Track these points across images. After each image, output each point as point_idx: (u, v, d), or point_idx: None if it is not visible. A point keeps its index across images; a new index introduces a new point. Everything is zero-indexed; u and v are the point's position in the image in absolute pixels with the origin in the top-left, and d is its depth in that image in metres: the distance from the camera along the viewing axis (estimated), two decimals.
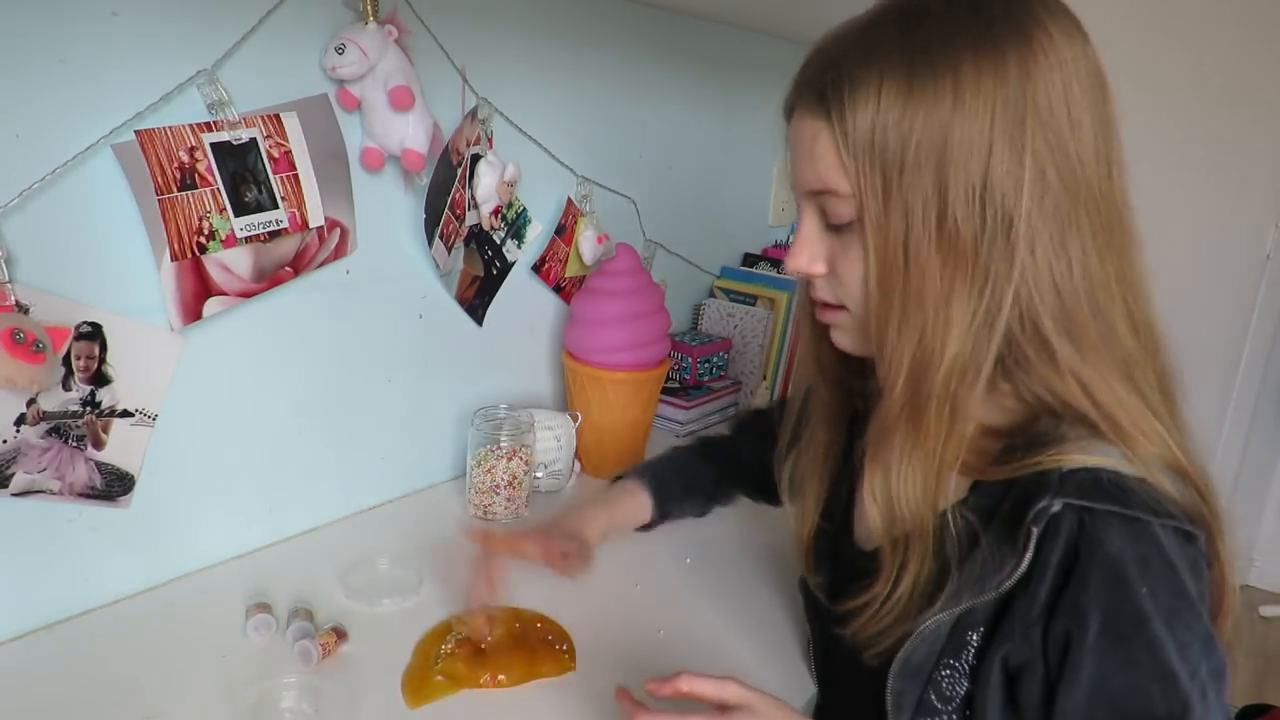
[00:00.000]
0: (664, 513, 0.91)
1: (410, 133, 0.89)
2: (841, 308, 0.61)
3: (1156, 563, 0.50)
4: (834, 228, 0.58)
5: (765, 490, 0.92)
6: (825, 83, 0.55)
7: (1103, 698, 0.51)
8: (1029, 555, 0.52)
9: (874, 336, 0.57)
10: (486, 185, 1.02)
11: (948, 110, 0.51)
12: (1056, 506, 0.52)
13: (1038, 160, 0.52)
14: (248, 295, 0.84)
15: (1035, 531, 0.52)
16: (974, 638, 0.56)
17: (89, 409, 0.76)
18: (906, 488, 0.58)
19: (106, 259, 0.75)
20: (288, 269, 0.87)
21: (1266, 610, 2.35)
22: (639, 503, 0.90)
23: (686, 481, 0.94)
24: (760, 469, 0.87)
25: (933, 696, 0.58)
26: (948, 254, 0.53)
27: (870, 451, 0.63)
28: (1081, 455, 0.52)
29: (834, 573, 0.73)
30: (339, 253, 0.92)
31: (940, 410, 0.55)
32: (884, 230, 0.54)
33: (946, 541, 0.58)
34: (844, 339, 0.64)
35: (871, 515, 0.61)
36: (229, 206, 0.80)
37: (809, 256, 0.61)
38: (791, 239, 1.71)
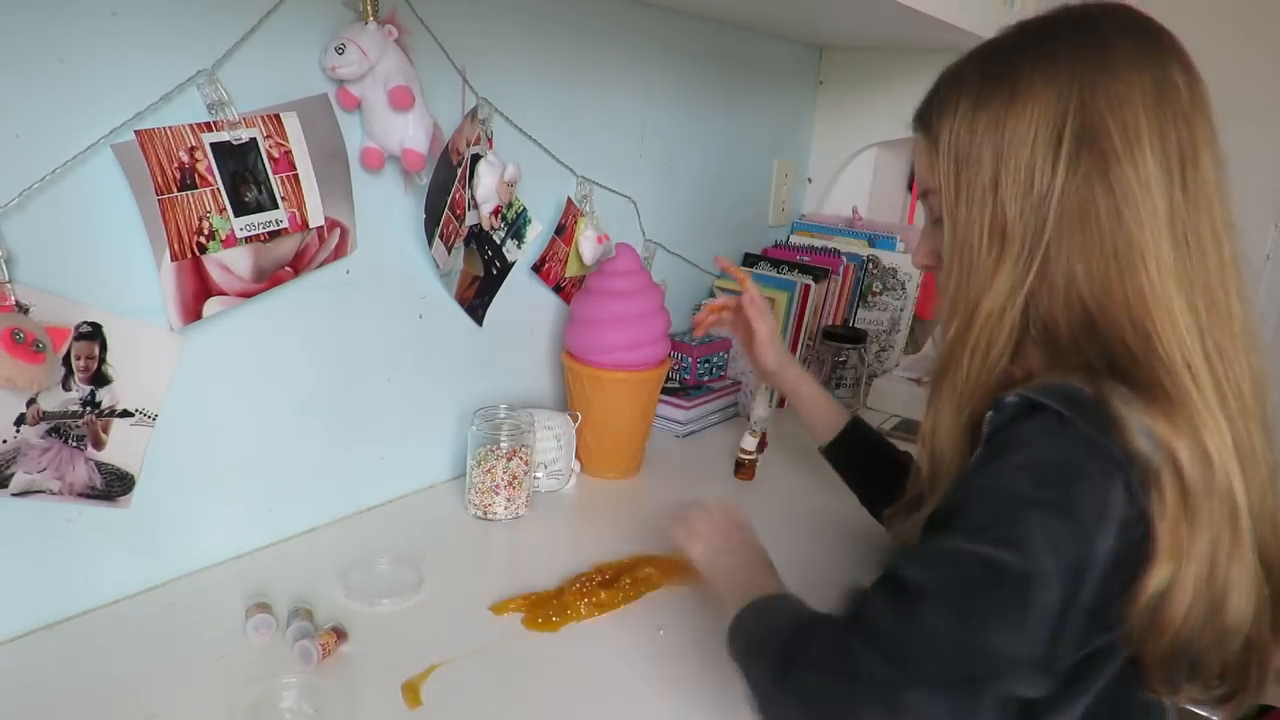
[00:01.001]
0: (841, 442, 1.02)
1: (410, 133, 0.89)
2: None
3: (1048, 453, 0.56)
4: (936, 223, 0.69)
5: None
6: (926, 107, 0.69)
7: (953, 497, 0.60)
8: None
9: (941, 301, 0.69)
10: (486, 185, 1.02)
11: (1004, 110, 0.62)
12: (1011, 398, 0.59)
13: (1076, 151, 0.60)
14: (248, 295, 0.84)
15: (989, 414, 0.61)
16: None
17: (89, 409, 0.76)
18: (942, 423, 0.68)
19: (106, 259, 0.75)
20: (288, 269, 0.87)
21: None
22: (834, 416, 1.03)
23: (880, 447, 1.02)
24: None
25: None
26: (994, 235, 0.63)
27: (927, 404, 0.71)
28: (1059, 376, 0.60)
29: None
30: (339, 253, 0.92)
31: (973, 353, 0.65)
32: (954, 217, 0.66)
33: None
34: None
35: (919, 456, 0.72)
36: (229, 206, 0.80)
37: (924, 252, 0.73)
38: (792, 236, 1.71)
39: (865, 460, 1.02)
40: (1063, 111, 0.60)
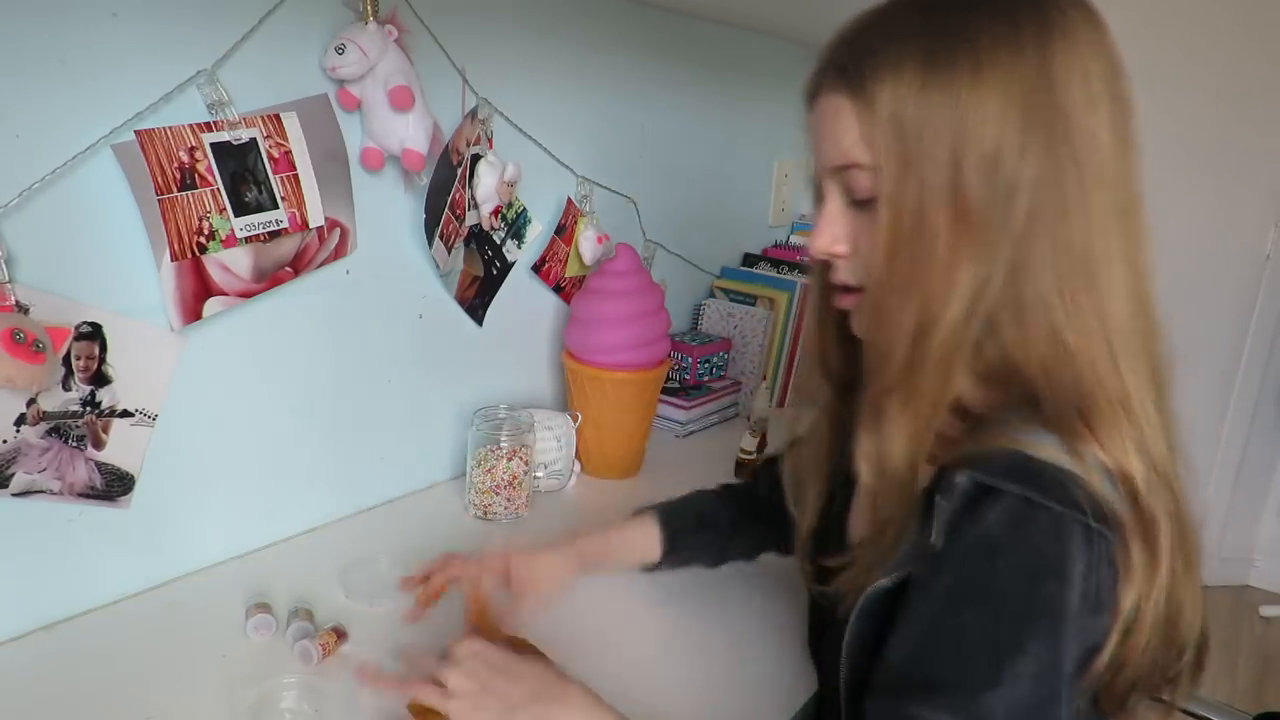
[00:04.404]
0: (674, 547, 0.87)
1: (410, 133, 0.89)
2: (860, 290, 0.61)
3: (1032, 548, 0.51)
4: (857, 204, 0.59)
5: (782, 534, 0.87)
6: (846, 62, 0.56)
7: (927, 646, 0.54)
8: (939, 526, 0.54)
9: (876, 306, 0.58)
10: (486, 185, 1.03)
11: (966, 85, 0.53)
12: (963, 479, 0.53)
13: (1049, 133, 0.53)
14: (248, 295, 0.84)
15: (940, 501, 0.54)
16: None
17: (89, 409, 0.76)
18: (896, 446, 0.58)
19: (106, 259, 0.75)
20: (288, 269, 0.87)
21: (1266, 610, 2.35)
22: (646, 534, 0.87)
23: (701, 518, 0.90)
24: (778, 511, 0.83)
25: None
26: (956, 221, 0.54)
27: (865, 418, 0.62)
28: (1013, 440, 0.54)
29: (822, 564, 0.72)
30: (339, 253, 0.92)
31: (935, 370, 0.56)
32: (899, 199, 0.55)
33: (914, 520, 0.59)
34: (859, 320, 0.64)
35: (862, 473, 0.61)
36: (229, 206, 0.80)
37: (831, 237, 0.61)
38: (792, 236, 1.71)
39: (704, 540, 0.90)
40: (1031, 85, 0.53)
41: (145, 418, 0.80)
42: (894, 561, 0.58)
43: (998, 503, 0.52)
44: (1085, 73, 0.53)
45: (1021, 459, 0.53)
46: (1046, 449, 0.53)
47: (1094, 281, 0.54)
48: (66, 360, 0.73)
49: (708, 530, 0.90)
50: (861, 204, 0.59)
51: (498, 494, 1.03)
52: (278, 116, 0.82)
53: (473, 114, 1.01)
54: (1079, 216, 0.54)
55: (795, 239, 1.72)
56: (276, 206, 0.83)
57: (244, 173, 0.80)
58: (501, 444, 1.03)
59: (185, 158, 0.76)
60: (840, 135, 0.57)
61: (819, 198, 0.63)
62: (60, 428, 0.74)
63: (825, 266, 0.64)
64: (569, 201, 1.20)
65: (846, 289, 0.63)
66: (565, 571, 0.83)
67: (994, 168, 0.53)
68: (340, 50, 0.83)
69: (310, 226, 0.87)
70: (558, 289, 1.24)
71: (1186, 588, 0.56)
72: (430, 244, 1.00)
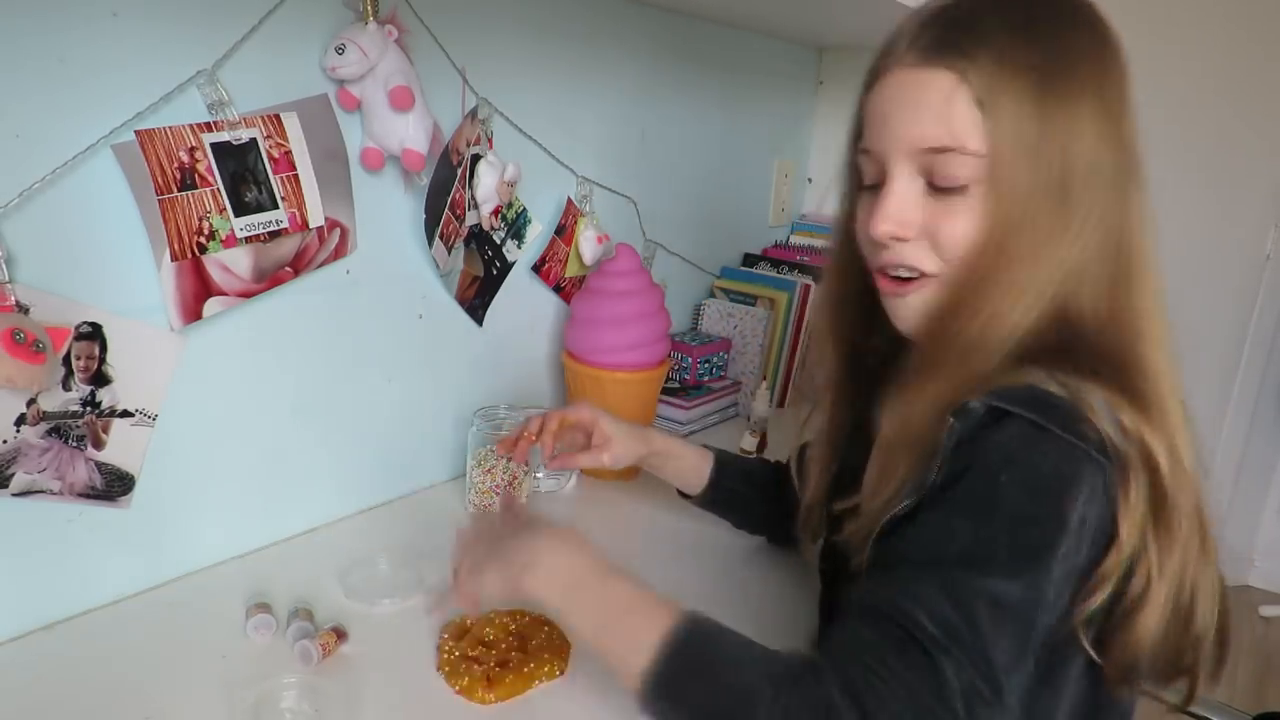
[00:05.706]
0: (716, 489, 0.92)
1: (410, 133, 0.89)
2: (923, 276, 0.62)
3: (1035, 466, 0.53)
4: (938, 190, 0.60)
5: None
6: (963, 42, 0.57)
7: (925, 538, 0.55)
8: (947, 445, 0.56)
9: (958, 294, 0.60)
10: (486, 185, 1.03)
11: (1077, 94, 0.57)
12: (977, 405, 0.55)
13: (1119, 132, 0.59)
14: (248, 295, 0.84)
15: (952, 421, 0.56)
16: None
17: (89, 409, 0.76)
18: (925, 407, 0.59)
19: (106, 259, 0.75)
20: (288, 269, 0.87)
21: (1266, 610, 2.35)
22: (700, 462, 0.93)
23: (749, 477, 0.95)
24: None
25: None
26: (1055, 212, 0.57)
27: (906, 385, 0.62)
28: (1032, 377, 0.55)
29: (834, 509, 0.73)
30: (339, 253, 0.92)
31: (991, 354, 0.58)
32: (1010, 191, 0.57)
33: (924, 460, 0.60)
34: (914, 308, 0.64)
35: (885, 428, 0.63)
36: (229, 206, 0.80)
37: (901, 220, 0.61)
38: (792, 235, 1.71)
39: (743, 491, 0.95)
40: (1116, 95, 0.59)
41: (145, 418, 0.80)
42: (907, 489, 0.58)
43: (1009, 425, 0.54)
44: (1126, 75, 0.60)
45: (1036, 391, 0.54)
46: (1058, 387, 0.55)
47: (1134, 279, 0.59)
48: (66, 360, 0.73)
49: (750, 491, 0.94)
50: (942, 190, 0.59)
51: (498, 494, 1.03)
52: (278, 116, 0.82)
53: (473, 114, 1.01)
54: (1134, 215, 0.59)
55: (795, 239, 1.72)
56: (276, 206, 0.83)
57: (244, 173, 0.80)
58: None
59: (185, 158, 0.76)
60: (952, 118, 0.57)
61: (863, 177, 0.64)
62: (60, 428, 0.74)
63: (857, 248, 0.66)
64: (569, 201, 1.20)
65: (898, 277, 0.63)
66: (639, 447, 0.90)
67: (1090, 166, 0.57)
68: (340, 50, 0.83)
69: (310, 226, 0.87)
70: (558, 289, 1.24)
71: (1203, 574, 0.57)
72: (430, 244, 1.00)
